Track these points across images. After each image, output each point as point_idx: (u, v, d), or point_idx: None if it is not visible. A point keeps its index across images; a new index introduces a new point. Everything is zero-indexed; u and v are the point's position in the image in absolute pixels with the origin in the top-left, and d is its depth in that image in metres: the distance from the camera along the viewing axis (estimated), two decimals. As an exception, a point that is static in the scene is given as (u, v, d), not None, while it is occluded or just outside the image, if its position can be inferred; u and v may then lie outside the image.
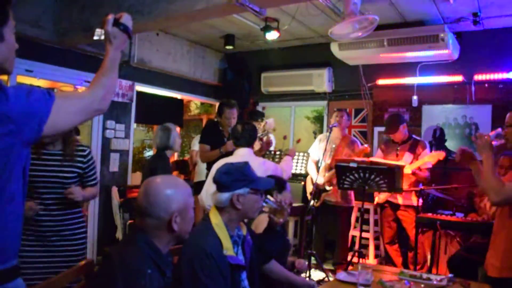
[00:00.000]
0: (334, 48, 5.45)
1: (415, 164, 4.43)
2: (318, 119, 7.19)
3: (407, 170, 4.35)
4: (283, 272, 2.62)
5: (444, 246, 4.34)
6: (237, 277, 2.06)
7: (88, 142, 5.36)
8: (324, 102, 6.39)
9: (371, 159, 4.23)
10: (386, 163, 4.03)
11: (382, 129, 5.51)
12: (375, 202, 4.89)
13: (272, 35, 5.30)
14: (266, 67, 6.65)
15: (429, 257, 4.40)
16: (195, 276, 1.88)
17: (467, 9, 4.58)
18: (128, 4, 3.95)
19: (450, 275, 2.63)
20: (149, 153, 8.97)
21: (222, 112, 4.33)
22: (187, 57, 6.43)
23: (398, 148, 4.66)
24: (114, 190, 5.41)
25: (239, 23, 5.44)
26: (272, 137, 5.47)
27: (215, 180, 2.14)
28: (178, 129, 4.35)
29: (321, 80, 6.11)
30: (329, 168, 4.82)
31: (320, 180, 4.72)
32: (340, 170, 4.04)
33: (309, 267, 4.32)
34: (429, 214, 3.97)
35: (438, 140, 5.25)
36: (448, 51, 4.84)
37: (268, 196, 2.42)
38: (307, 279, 3.99)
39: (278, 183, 2.80)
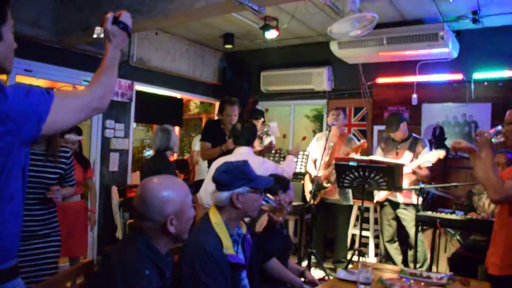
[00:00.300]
0: (334, 47, 5.45)
1: (415, 162, 4.43)
2: (317, 118, 7.19)
3: (407, 169, 4.35)
4: (283, 271, 2.62)
5: (444, 245, 4.34)
6: (237, 276, 2.06)
7: (88, 141, 5.36)
8: (324, 101, 6.39)
9: (371, 157, 4.23)
10: (386, 162, 4.03)
11: (382, 127, 5.52)
12: (375, 201, 4.89)
13: (271, 34, 5.30)
14: (266, 66, 6.65)
15: (429, 255, 4.40)
16: (196, 275, 1.88)
17: (466, 7, 4.58)
18: (127, 3, 3.94)
19: (450, 273, 2.62)
20: (148, 152, 8.96)
21: (223, 110, 4.33)
22: (187, 56, 6.43)
23: (398, 147, 4.66)
24: (114, 189, 5.41)
25: (238, 22, 5.44)
26: (272, 125, 5.46)
27: (214, 179, 2.14)
28: (177, 129, 4.35)
29: (320, 78, 6.11)
30: (327, 166, 4.83)
31: (320, 174, 4.73)
32: (339, 168, 4.04)
33: (309, 266, 4.32)
34: (429, 212, 3.97)
35: (438, 139, 5.25)
36: (448, 49, 4.84)
37: (268, 195, 2.41)
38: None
39: (281, 183, 2.80)
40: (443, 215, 3.83)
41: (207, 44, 6.68)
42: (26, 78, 4.66)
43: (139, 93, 5.98)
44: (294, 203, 4.86)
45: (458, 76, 5.19)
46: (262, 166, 3.21)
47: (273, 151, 5.38)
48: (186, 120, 8.85)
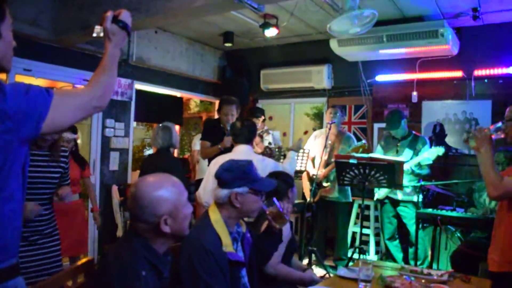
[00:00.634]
0: (333, 45, 5.44)
1: (414, 160, 4.43)
2: (317, 116, 7.19)
3: (407, 166, 4.35)
4: (291, 273, 2.62)
5: (444, 242, 4.34)
6: (236, 273, 2.06)
7: (88, 141, 5.36)
8: (324, 99, 6.38)
9: (371, 155, 4.23)
10: (386, 159, 4.03)
11: (382, 125, 5.52)
12: (375, 198, 4.89)
13: (271, 32, 5.29)
14: (266, 64, 6.64)
15: (429, 252, 4.40)
16: (194, 272, 1.88)
17: (466, 4, 4.57)
18: (126, 2, 3.94)
19: (451, 270, 2.63)
20: (149, 151, 8.96)
21: (221, 109, 4.34)
22: (186, 55, 6.42)
23: (398, 144, 4.66)
24: (114, 188, 5.41)
25: (238, 20, 5.43)
26: (275, 134, 5.46)
27: (216, 176, 2.14)
28: (177, 128, 4.36)
29: (320, 76, 6.10)
30: (325, 164, 4.82)
31: (319, 173, 4.73)
32: (340, 166, 4.04)
33: (310, 264, 4.32)
34: (430, 210, 3.97)
35: (438, 136, 5.24)
36: (448, 46, 4.83)
37: (275, 199, 2.38)
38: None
39: (286, 181, 2.79)
40: (443, 213, 3.83)
41: (207, 42, 6.68)
42: (25, 78, 4.65)
43: (139, 92, 5.98)
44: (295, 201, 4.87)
45: (458, 73, 5.18)
46: (261, 164, 3.21)
47: (276, 150, 5.36)
48: (186, 119, 8.85)
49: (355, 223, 5.33)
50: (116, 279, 1.47)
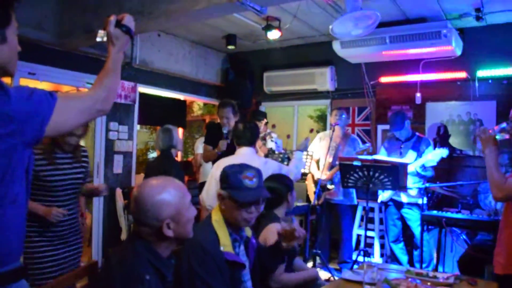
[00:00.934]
0: (336, 46, 5.43)
1: (418, 162, 4.41)
2: (321, 118, 7.18)
3: (411, 168, 4.33)
4: (296, 277, 2.60)
5: (450, 244, 4.31)
6: (237, 275, 2.04)
7: (92, 144, 5.36)
8: (327, 101, 6.37)
9: (375, 157, 4.21)
10: (390, 161, 4.01)
11: (386, 127, 5.51)
12: (379, 201, 4.87)
13: (273, 34, 5.29)
14: (268, 66, 6.64)
15: (435, 255, 4.37)
16: (192, 270, 1.88)
17: (469, 5, 4.55)
18: (129, 5, 3.95)
19: (457, 272, 2.61)
20: (152, 154, 8.97)
21: (218, 112, 4.37)
22: (189, 58, 6.43)
23: (402, 146, 4.63)
24: (118, 192, 5.42)
25: (240, 23, 5.43)
26: (278, 142, 5.45)
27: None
28: (181, 130, 4.37)
29: (323, 78, 6.10)
30: (330, 167, 4.81)
31: (323, 177, 4.72)
32: (344, 168, 4.03)
33: (314, 267, 4.30)
34: (435, 212, 3.95)
35: (442, 137, 5.22)
36: (451, 47, 4.82)
37: (294, 218, 2.33)
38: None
39: (285, 184, 2.78)
40: (448, 215, 3.81)
41: (210, 45, 6.68)
42: (30, 81, 4.67)
43: (142, 95, 5.99)
44: (298, 204, 4.87)
45: (462, 74, 5.16)
46: (263, 167, 3.19)
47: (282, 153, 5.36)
48: (190, 121, 8.85)
49: (360, 226, 5.31)
50: (119, 282, 1.47)
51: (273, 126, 6.85)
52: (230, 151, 4.04)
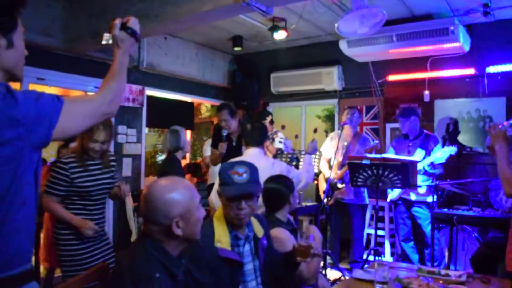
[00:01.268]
0: (343, 46, 5.41)
1: (427, 160, 4.37)
2: (329, 118, 7.16)
3: (420, 166, 4.30)
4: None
5: (461, 242, 4.27)
6: (235, 273, 2.02)
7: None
8: (335, 101, 6.36)
9: (384, 155, 4.18)
10: (399, 159, 3.99)
11: (394, 125, 5.48)
12: (388, 200, 4.84)
13: (280, 35, 5.29)
14: (275, 67, 6.63)
15: (446, 253, 4.34)
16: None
17: (477, 0, 4.51)
18: (135, 9, 3.97)
19: (469, 270, 2.58)
20: (161, 157, 9.00)
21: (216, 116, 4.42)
22: (196, 60, 6.45)
23: (410, 144, 4.60)
24: (128, 195, 5.44)
25: (246, 24, 5.44)
26: (287, 142, 5.44)
27: None
28: (189, 133, 4.38)
29: (330, 78, 6.08)
30: (340, 166, 4.79)
31: (332, 175, 4.70)
32: (353, 167, 4.01)
33: (325, 266, 4.29)
34: (445, 210, 3.91)
35: (451, 135, 5.18)
36: (459, 44, 4.78)
37: (312, 236, 2.27)
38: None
39: (286, 185, 2.76)
40: (459, 212, 3.78)
41: (216, 47, 6.70)
42: (39, 86, 4.72)
43: (150, 98, 6.02)
44: (308, 203, 4.85)
45: (471, 71, 5.11)
46: (270, 169, 3.18)
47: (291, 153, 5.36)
48: (198, 124, 8.88)
49: (370, 225, 5.28)
50: (129, 281, 1.47)
51: (283, 127, 6.83)
52: (235, 152, 4.06)
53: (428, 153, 4.43)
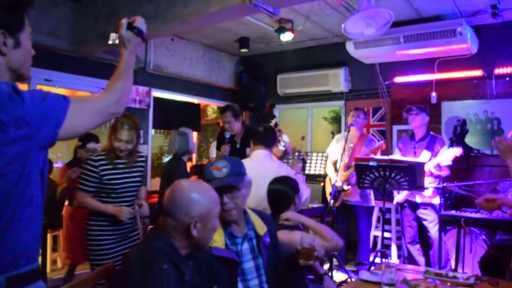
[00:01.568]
0: (350, 47, 5.40)
1: (433, 161, 4.34)
2: (335, 120, 7.14)
3: (426, 168, 4.27)
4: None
5: (469, 245, 4.24)
6: (232, 272, 2.00)
7: (107, 149, 5.41)
8: (341, 102, 6.34)
9: (391, 157, 4.16)
10: (407, 161, 3.96)
11: (401, 127, 5.47)
12: (394, 202, 4.81)
13: (286, 36, 5.29)
14: (282, 69, 6.63)
15: (453, 256, 4.30)
16: None
17: (485, 1, 4.49)
18: (142, 10, 3.98)
19: (477, 273, 2.56)
20: (167, 158, 9.02)
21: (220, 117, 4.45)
22: (203, 62, 6.46)
23: (416, 146, 4.57)
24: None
25: (253, 26, 5.44)
26: (285, 139, 5.44)
27: None
28: (195, 134, 4.40)
29: (337, 80, 6.07)
30: (346, 167, 4.77)
31: (339, 183, 4.68)
32: (360, 169, 3.99)
33: (331, 269, 4.27)
34: (453, 212, 3.88)
35: (458, 136, 5.15)
36: (467, 45, 4.75)
37: (316, 240, 2.24)
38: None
39: (291, 186, 2.75)
40: (467, 214, 3.74)
41: (223, 49, 6.71)
42: (46, 88, 4.74)
43: (156, 99, 6.03)
44: (314, 205, 4.83)
45: (478, 72, 5.08)
46: (278, 170, 3.16)
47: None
48: (204, 125, 8.89)
49: (376, 227, 5.26)
50: (138, 271, 1.50)
51: (279, 131, 6.81)
52: (239, 154, 4.08)
53: (434, 155, 4.40)
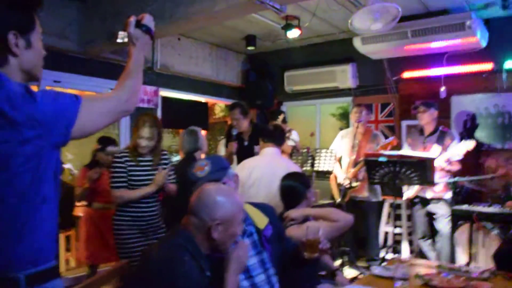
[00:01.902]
0: (357, 43, 5.37)
1: (444, 156, 4.30)
2: (343, 116, 7.11)
3: (436, 163, 4.23)
4: None
5: (481, 239, 4.20)
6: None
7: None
8: (349, 98, 6.31)
9: (401, 152, 4.13)
10: (417, 156, 3.93)
11: (410, 122, 5.43)
12: (404, 198, 4.78)
13: (293, 33, 5.26)
14: (289, 66, 6.61)
15: (465, 251, 4.27)
16: None
17: (494, -7, 4.44)
18: (149, 9, 3.99)
19: (491, 267, 2.53)
20: (176, 158, 9.03)
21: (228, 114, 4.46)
22: (209, 60, 6.47)
23: (425, 141, 4.53)
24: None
25: (259, 23, 5.43)
26: (295, 134, 5.43)
27: None
28: (203, 133, 4.42)
29: (344, 76, 6.04)
30: (354, 164, 4.75)
31: (346, 180, 4.67)
32: (369, 164, 3.97)
33: (342, 265, 4.26)
34: (465, 206, 3.85)
35: (469, 131, 5.11)
36: (476, 38, 4.70)
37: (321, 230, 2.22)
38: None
39: (302, 182, 2.75)
40: (480, 209, 3.71)
41: (230, 47, 6.71)
42: (55, 89, 4.77)
43: (164, 98, 6.04)
44: (324, 201, 4.83)
45: (488, 66, 5.02)
46: (286, 168, 3.16)
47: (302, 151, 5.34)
48: (212, 124, 8.89)
49: (387, 223, 5.23)
50: (159, 263, 1.53)
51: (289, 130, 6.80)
52: (247, 152, 4.08)
53: (444, 149, 4.36)
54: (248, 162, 3.42)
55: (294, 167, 3.32)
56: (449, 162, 4.26)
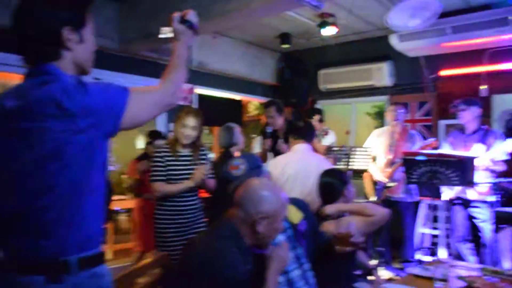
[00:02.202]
0: (394, 40, 5.28)
1: (487, 155, 4.16)
2: (379, 115, 7.00)
3: (479, 162, 4.10)
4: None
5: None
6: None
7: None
8: (385, 97, 6.21)
9: (440, 151, 4.03)
10: (457, 155, 3.82)
11: (449, 122, 5.29)
12: (443, 198, 4.65)
13: (328, 31, 5.22)
14: (324, 64, 6.56)
15: (508, 255, 4.12)
16: None
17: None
18: (186, 8, 4.03)
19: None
20: (211, 154, 9.12)
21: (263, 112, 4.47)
22: (244, 58, 6.50)
23: (467, 140, 4.40)
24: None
25: (294, 21, 5.42)
26: (332, 134, 5.40)
27: None
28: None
29: (380, 74, 5.96)
30: (390, 164, 4.67)
31: (383, 179, 4.60)
32: (407, 163, 3.88)
33: (377, 265, 4.19)
34: (509, 209, 3.71)
35: (511, 130, 4.93)
36: (519, 34, 4.54)
37: (353, 223, 2.19)
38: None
39: (340, 179, 2.73)
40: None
41: (264, 45, 6.72)
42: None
43: (199, 96, 6.12)
44: (360, 201, 4.77)
45: (532, 63, 4.84)
46: (316, 168, 3.13)
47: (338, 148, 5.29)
48: (245, 122, 8.92)
49: (424, 224, 5.11)
50: (204, 254, 1.56)
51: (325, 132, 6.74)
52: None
53: (488, 148, 4.22)
54: (280, 159, 3.43)
55: (326, 163, 3.31)
56: (493, 162, 4.11)
